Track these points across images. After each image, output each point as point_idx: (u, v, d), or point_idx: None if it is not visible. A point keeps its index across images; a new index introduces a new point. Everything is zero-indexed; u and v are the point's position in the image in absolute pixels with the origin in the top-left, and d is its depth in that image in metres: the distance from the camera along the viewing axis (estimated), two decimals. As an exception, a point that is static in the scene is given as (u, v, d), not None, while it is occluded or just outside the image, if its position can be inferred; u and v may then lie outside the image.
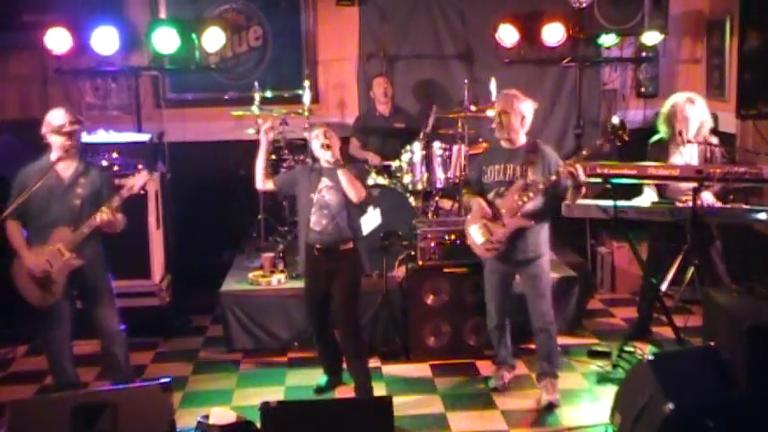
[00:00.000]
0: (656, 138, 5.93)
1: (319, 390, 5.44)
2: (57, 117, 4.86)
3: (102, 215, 4.80)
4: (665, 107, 5.82)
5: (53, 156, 4.88)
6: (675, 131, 5.72)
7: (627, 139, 5.01)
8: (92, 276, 5.00)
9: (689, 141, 5.68)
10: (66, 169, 4.94)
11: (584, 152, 5.03)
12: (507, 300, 5.37)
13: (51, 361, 5.10)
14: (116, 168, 6.11)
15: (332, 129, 5.30)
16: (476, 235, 5.20)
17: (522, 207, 5.01)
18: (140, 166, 5.01)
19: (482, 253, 5.23)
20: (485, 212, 5.12)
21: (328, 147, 5.13)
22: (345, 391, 5.40)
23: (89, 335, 5.26)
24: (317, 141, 5.21)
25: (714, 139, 5.82)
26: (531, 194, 4.98)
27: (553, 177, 4.96)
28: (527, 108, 5.16)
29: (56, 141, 4.86)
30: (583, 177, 4.92)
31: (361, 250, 5.37)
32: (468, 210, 5.37)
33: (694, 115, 5.69)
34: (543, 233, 5.20)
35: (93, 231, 4.86)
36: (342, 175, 5.09)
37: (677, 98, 5.79)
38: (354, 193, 5.08)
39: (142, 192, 4.86)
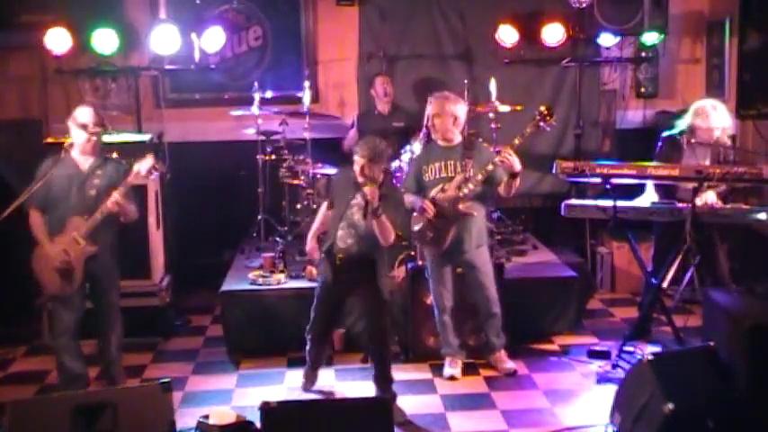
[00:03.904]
0: (668, 133, 5.88)
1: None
2: (83, 114, 5.01)
3: (113, 199, 4.87)
4: (690, 109, 5.79)
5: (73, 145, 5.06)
6: (694, 133, 5.69)
7: (554, 123, 5.40)
8: (104, 265, 5.09)
9: (698, 143, 5.66)
10: (85, 162, 5.08)
11: (516, 140, 5.27)
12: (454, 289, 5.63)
13: (58, 354, 5.12)
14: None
15: (378, 159, 4.87)
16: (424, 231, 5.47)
17: (465, 199, 5.31)
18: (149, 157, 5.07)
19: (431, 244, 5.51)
20: (429, 210, 5.37)
21: (371, 204, 4.77)
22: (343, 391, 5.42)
23: (89, 335, 5.27)
24: (356, 168, 4.91)
25: (727, 139, 5.80)
26: (471, 186, 5.31)
27: (490, 167, 5.27)
28: (459, 109, 5.48)
29: (76, 135, 5.02)
30: (518, 166, 5.21)
31: (382, 268, 5.13)
32: (413, 209, 5.58)
33: (716, 122, 5.64)
34: (484, 223, 5.62)
35: (106, 219, 4.94)
36: (376, 224, 4.84)
37: (702, 104, 5.76)
38: (383, 238, 4.90)
39: (152, 176, 4.98)
